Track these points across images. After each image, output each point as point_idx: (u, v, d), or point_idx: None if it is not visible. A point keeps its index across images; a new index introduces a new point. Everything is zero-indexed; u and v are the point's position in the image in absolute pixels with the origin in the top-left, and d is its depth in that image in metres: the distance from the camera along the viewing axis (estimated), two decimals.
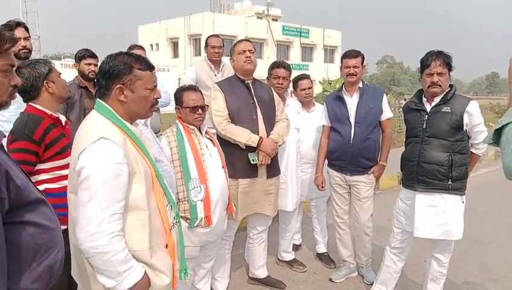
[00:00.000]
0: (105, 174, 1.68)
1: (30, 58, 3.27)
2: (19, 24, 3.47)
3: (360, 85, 3.68)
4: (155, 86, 1.91)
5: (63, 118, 2.55)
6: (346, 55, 3.66)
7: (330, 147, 3.80)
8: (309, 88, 4.15)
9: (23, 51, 3.47)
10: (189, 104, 2.84)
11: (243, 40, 3.49)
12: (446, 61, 2.98)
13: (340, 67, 3.72)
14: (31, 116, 2.38)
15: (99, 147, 1.71)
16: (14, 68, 1.44)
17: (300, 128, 3.95)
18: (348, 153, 3.64)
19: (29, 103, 2.45)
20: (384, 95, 3.77)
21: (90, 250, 1.68)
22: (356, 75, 3.60)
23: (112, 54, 1.89)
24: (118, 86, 1.82)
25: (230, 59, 3.42)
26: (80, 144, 1.76)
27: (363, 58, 3.67)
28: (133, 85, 1.83)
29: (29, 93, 2.42)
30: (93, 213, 1.67)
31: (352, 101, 3.67)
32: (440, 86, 3.00)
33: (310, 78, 4.24)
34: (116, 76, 1.82)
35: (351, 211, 3.88)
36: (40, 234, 1.36)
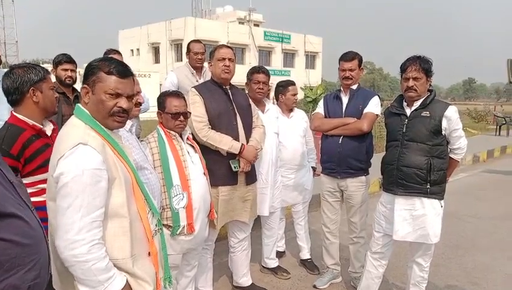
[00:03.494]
0: (84, 181, 1.65)
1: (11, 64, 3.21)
2: None
3: (353, 87, 3.66)
4: (119, 94, 1.82)
5: (49, 127, 2.44)
6: (342, 58, 3.63)
7: (321, 148, 3.82)
8: (297, 94, 4.23)
9: None
10: (171, 110, 2.82)
11: (223, 45, 3.44)
12: (423, 66, 3.01)
13: (338, 69, 3.69)
14: (11, 128, 2.28)
15: (78, 153, 1.68)
16: None
17: (282, 134, 3.97)
18: (336, 154, 3.63)
19: (13, 112, 2.35)
20: (376, 96, 3.66)
21: (70, 259, 1.64)
22: (352, 79, 3.60)
23: (96, 58, 1.89)
24: (84, 85, 1.84)
25: (209, 63, 3.37)
26: (58, 150, 1.74)
27: (360, 61, 3.64)
28: (94, 86, 1.82)
29: (12, 95, 2.31)
30: (72, 221, 1.64)
31: (345, 102, 3.68)
32: (416, 90, 3.03)
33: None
34: (85, 76, 1.85)
35: (346, 218, 3.84)
36: (5, 249, 1.28)
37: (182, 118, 2.83)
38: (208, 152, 3.13)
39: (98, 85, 1.81)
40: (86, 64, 1.88)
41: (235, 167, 3.19)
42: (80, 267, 1.64)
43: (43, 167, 2.20)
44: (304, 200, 4.32)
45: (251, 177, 3.40)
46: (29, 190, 2.17)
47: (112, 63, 1.83)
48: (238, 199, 3.32)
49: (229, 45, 3.61)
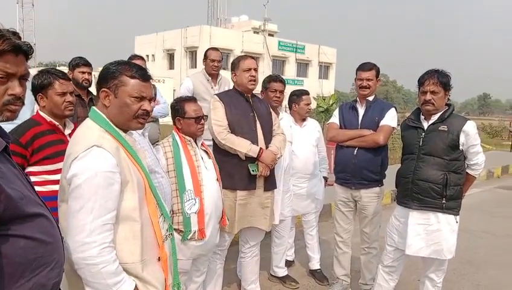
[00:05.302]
0: (97, 183, 1.64)
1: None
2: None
3: (370, 98, 3.63)
4: (143, 97, 1.83)
5: (70, 127, 2.60)
6: (360, 68, 3.62)
7: (336, 158, 3.79)
8: (310, 103, 4.22)
9: None
10: (192, 115, 2.83)
11: (247, 56, 3.46)
12: (441, 80, 2.98)
13: (355, 79, 3.67)
14: (28, 121, 2.49)
15: (92, 155, 1.67)
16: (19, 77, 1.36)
17: (294, 143, 3.96)
18: (351, 165, 3.59)
19: (37, 110, 2.58)
20: (393, 109, 3.63)
21: (80, 261, 1.63)
22: (369, 88, 3.58)
23: (112, 61, 1.88)
24: (103, 89, 1.82)
25: (232, 73, 3.39)
26: (72, 151, 1.73)
27: (377, 72, 3.63)
28: (117, 90, 1.80)
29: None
30: (83, 223, 1.63)
31: (361, 113, 3.65)
32: (433, 104, 3.00)
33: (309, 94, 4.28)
34: (104, 79, 1.83)
35: (359, 228, 3.80)
36: (33, 248, 1.29)
37: (202, 121, 2.86)
38: (227, 156, 3.17)
39: (122, 89, 1.80)
40: (102, 68, 1.88)
41: (253, 171, 3.18)
42: (89, 269, 1.63)
43: (51, 158, 2.40)
44: (315, 209, 4.29)
45: (271, 183, 3.37)
46: (34, 179, 2.27)
47: (133, 67, 1.84)
48: (257, 205, 3.30)
49: (243, 54, 3.63)
